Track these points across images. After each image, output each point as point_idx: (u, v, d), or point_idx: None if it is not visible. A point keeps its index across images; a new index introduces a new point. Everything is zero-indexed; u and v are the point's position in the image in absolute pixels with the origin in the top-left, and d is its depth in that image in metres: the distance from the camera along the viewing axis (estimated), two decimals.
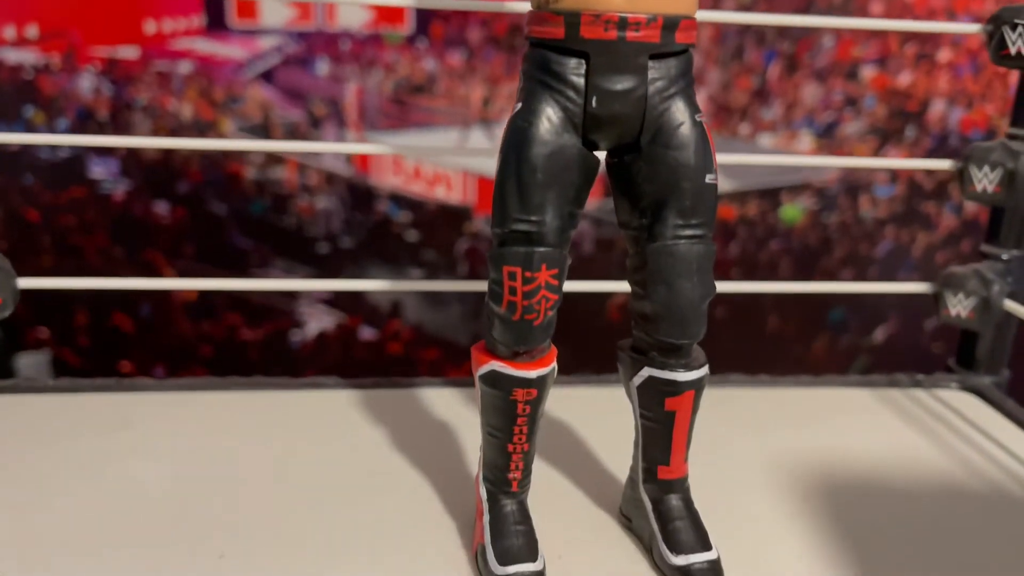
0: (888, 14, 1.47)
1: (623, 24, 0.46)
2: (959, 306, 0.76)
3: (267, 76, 1.62)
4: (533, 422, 0.53)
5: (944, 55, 1.49)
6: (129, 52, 1.59)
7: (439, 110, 1.63)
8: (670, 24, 0.47)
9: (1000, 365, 0.78)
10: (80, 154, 1.62)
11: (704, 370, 0.53)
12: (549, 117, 0.48)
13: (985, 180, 0.72)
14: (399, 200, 1.67)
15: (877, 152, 1.55)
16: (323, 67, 1.61)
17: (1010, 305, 0.73)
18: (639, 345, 0.53)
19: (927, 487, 0.64)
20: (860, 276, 1.62)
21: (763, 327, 1.65)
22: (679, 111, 0.48)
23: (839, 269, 1.61)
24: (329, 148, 0.76)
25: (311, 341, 1.73)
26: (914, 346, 1.63)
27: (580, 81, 0.47)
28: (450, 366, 1.71)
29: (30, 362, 1.63)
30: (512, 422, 0.52)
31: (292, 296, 1.71)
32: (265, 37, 1.60)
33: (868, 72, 1.52)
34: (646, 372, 0.53)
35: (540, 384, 0.52)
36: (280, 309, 1.72)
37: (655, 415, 0.53)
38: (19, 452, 0.66)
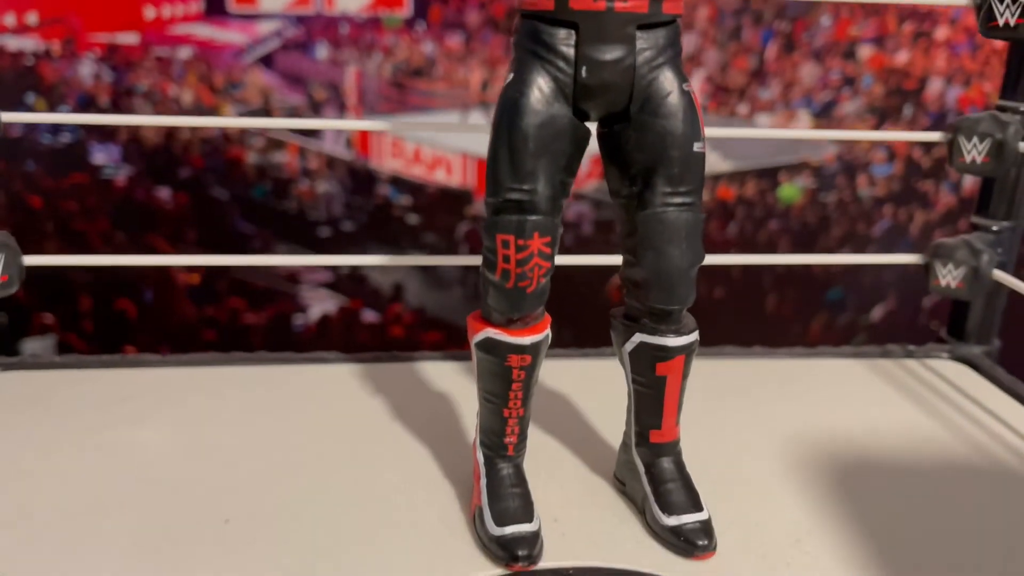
0: None
1: None
2: (948, 276, 0.77)
3: (267, 61, 1.62)
4: (528, 387, 0.54)
5: (941, 33, 1.50)
6: (129, 38, 1.59)
7: (438, 93, 1.64)
8: None
9: (990, 335, 0.79)
10: (82, 140, 1.63)
11: (694, 335, 0.54)
12: (540, 87, 0.49)
13: (974, 151, 0.73)
14: (399, 184, 1.68)
15: (875, 130, 1.56)
16: (322, 51, 1.61)
17: (999, 275, 0.74)
18: (631, 312, 0.55)
19: (918, 454, 0.65)
20: (858, 255, 1.62)
21: (761, 306, 1.66)
22: (667, 80, 0.49)
23: (837, 248, 1.62)
24: (334, 125, 0.77)
25: (314, 325, 1.74)
26: (912, 325, 1.64)
27: (570, 51, 0.48)
28: (452, 348, 1.72)
29: (36, 347, 1.65)
30: (507, 387, 0.53)
31: (294, 280, 1.72)
32: (264, 22, 1.61)
33: (865, 51, 1.52)
34: (637, 338, 0.54)
35: (534, 350, 0.53)
36: (283, 293, 1.73)
37: (647, 380, 0.55)
38: (24, 424, 0.67)
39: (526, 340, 0.52)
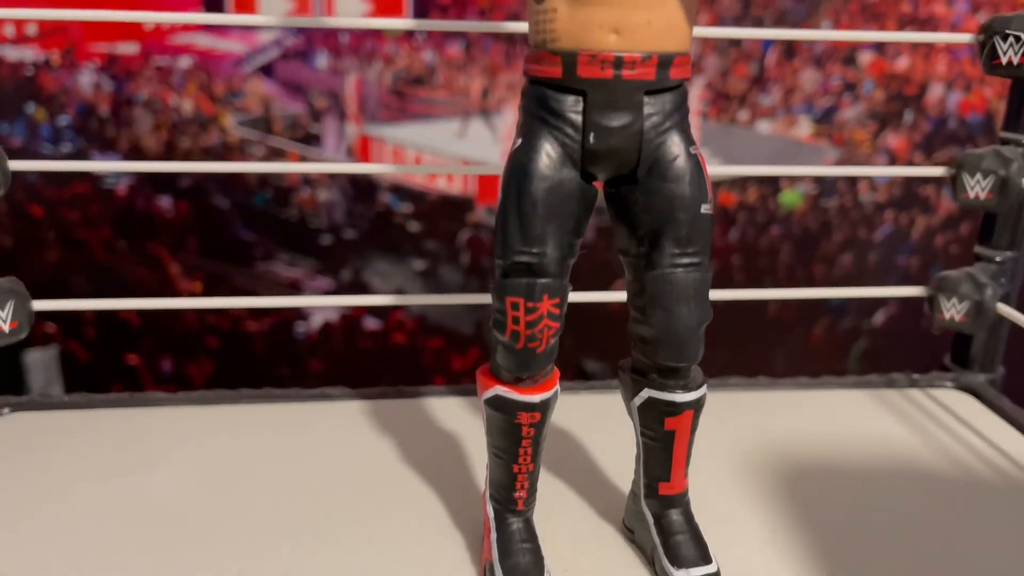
0: None
1: (618, 63, 0.47)
2: (952, 310, 0.77)
3: (267, 70, 1.62)
4: (537, 444, 0.54)
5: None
6: (129, 48, 1.59)
7: (439, 101, 1.64)
8: (664, 62, 0.48)
9: (995, 363, 0.80)
10: (82, 149, 1.63)
11: (703, 390, 0.55)
12: (548, 152, 0.49)
13: (978, 187, 0.73)
14: (400, 191, 1.68)
15: (876, 136, 1.56)
16: (322, 60, 1.61)
17: (1003, 309, 0.74)
18: (639, 366, 0.55)
19: (924, 489, 0.66)
20: (860, 260, 1.63)
21: (763, 311, 1.67)
22: (674, 144, 0.50)
23: (839, 253, 1.63)
24: (344, 169, 0.77)
25: (316, 332, 1.75)
26: (914, 329, 1.64)
27: (578, 118, 0.49)
28: (454, 355, 1.73)
29: (38, 358, 1.65)
30: (517, 444, 0.54)
31: (296, 288, 1.73)
32: (264, 31, 1.60)
33: (866, 57, 1.52)
34: (646, 393, 0.54)
35: (544, 408, 0.53)
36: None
37: (655, 434, 0.55)
38: (33, 468, 0.67)
39: (536, 398, 0.53)
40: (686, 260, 0.50)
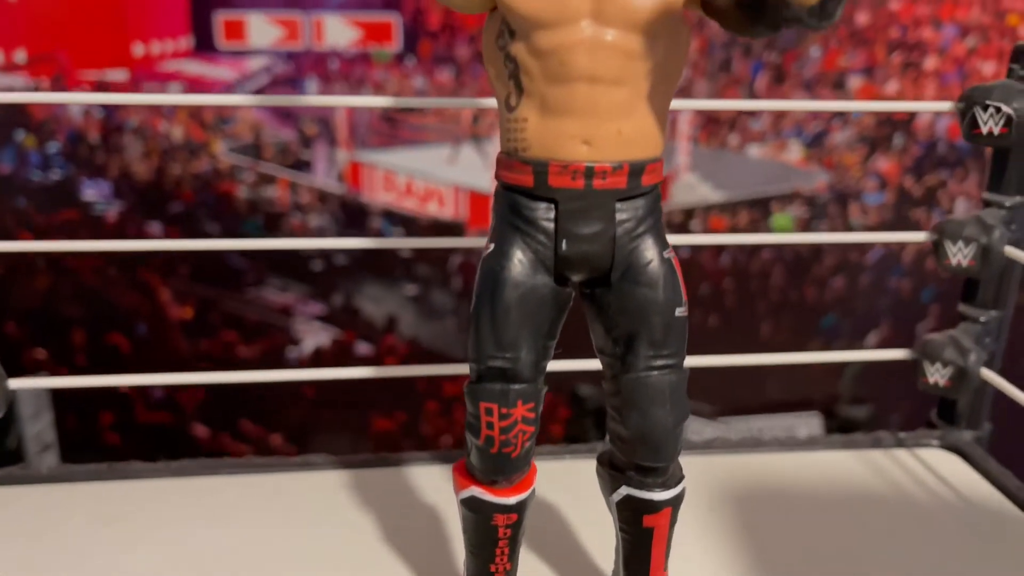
0: (874, 24, 1.48)
1: (590, 173, 0.47)
2: (937, 375, 0.77)
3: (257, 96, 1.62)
4: (514, 543, 0.54)
5: (930, 63, 1.49)
6: (118, 75, 1.59)
7: (429, 127, 1.64)
8: (636, 170, 0.47)
9: (981, 420, 0.79)
10: (72, 176, 1.62)
11: (681, 486, 0.54)
12: (520, 259, 0.49)
13: (959, 255, 0.73)
14: (392, 217, 1.68)
15: (866, 159, 1.56)
16: (312, 86, 1.61)
17: (987, 374, 0.74)
18: (616, 461, 0.54)
19: (910, 554, 0.65)
20: (851, 283, 1.63)
21: (756, 335, 1.67)
22: (648, 249, 0.49)
23: (830, 276, 1.62)
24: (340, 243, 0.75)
25: (307, 358, 1.74)
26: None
27: (550, 226, 0.48)
28: (446, 379, 1.73)
29: (28, 388, 1.64)
30: (494, 544, 0.53)
31: (287, 313, 1.72)
32: (254, 58, 1.60)
33: (855, 81, 1.52)
34: (624, 490, 0.54)
35: (520, 509, 0.53)
36: (276, 326, 1.73)
37: (634, 531, 0.54)
38: (11, 548, 0.66)
39: (511, 499, 0.52)
40: (661, 362, 0.50)
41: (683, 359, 0.51)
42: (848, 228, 1.59)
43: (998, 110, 0.68)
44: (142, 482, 0.73)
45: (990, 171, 0.73)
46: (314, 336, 1.74)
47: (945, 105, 0.72)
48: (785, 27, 0.43)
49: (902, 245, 1.59)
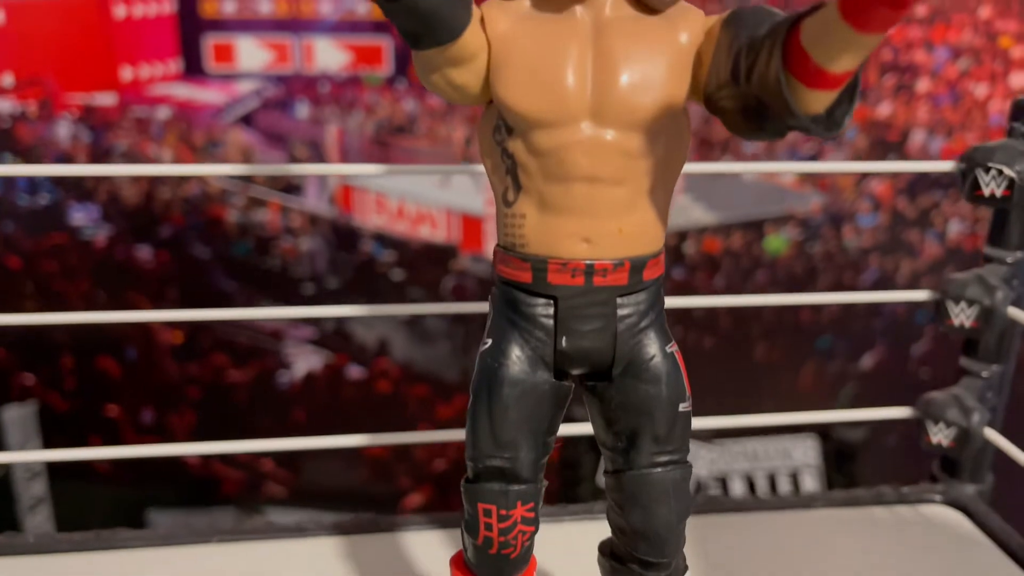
0: None
1: (590, 271, 0.45)
2: (940, 435, 0.76)
3: (247, 120, 1.61)
4: None
5: (923, 85, 1.49)
6: (106, 99, 1.58)
7: (421, 150, 1.63)
8: (638, 266, 0.46)
9: (983, 473, 0.78)
10: (60, 201, 1.61)
11: None
12: (519, 357, 0.47)
13: (962, 315, 0.72)
14: (383, 239, 1.67)
15: (859, 182, 1.55)
16: (303, 110, 1.60)
17: (990, 434, 0.73)
18: (618, 551, 0.53)
19: None
20: (846, 305, 1.62)
21: (751, 356, 1.66)
22: (650, 344, 0.47)
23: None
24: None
25: (299, 382, 1.73)
26: (901, 372, 1.64)
27: (549, 322, 0.46)
28: (439, 402, 1.71)
29: (15, 416, 1.62)
30: None
31: (278, 336, 1.71)
32: (243, 81, 1.59)
33: None
34: None
35: None
36: (267, 349, 1.72)
37: None
38: None
39: None
40: (665, 458, 0.48)
41: (687, 453, 0.50)
42: (842, 249, 1.59)
43: (1000, 172, 0.68)
44: (129, 553, 0.70)
45: (990, 226, 0.72)
46: (306, 359, 1.73)
47: (947, 165, 0.71)
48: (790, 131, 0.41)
49: (896, 266, 1.59)
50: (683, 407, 0.48)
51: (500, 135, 0.45)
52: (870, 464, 1.61)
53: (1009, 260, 0.71)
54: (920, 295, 0.75)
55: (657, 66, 0.43)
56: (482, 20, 0.44)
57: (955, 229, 1.55)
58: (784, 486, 1.62)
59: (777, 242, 1.59)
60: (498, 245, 0.48)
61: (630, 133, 0.44)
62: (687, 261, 1.57)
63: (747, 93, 0.39)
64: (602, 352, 0.47)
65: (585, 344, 0.47)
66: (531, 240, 0.45)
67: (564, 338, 0.47)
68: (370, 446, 0.90)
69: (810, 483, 1.61)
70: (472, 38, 0.43)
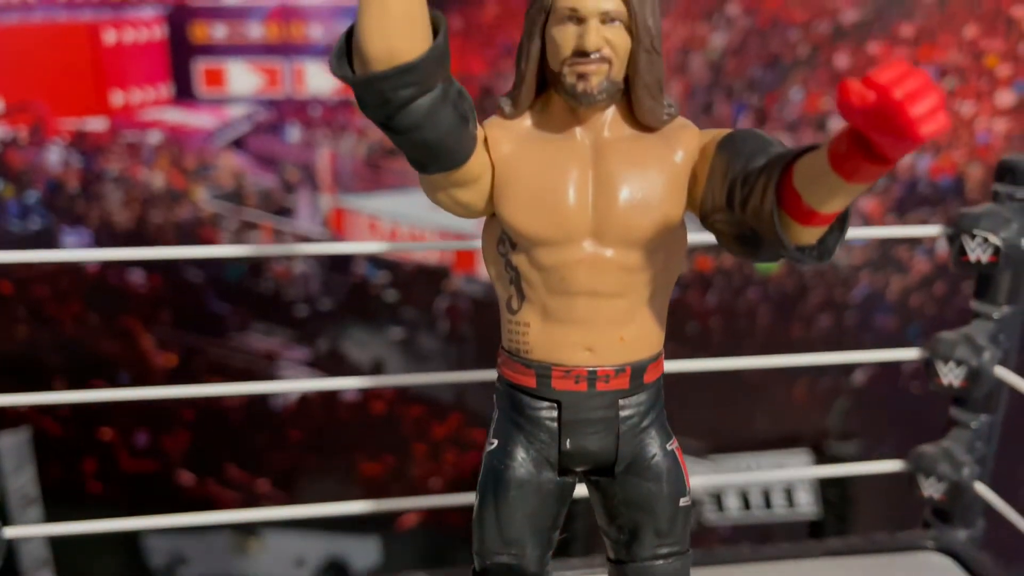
0: (853, 66, 1.49)
1: (593, 377, 0.47)
2: (932, 488, 0.77)
3: (238, 143, 1.61)
4: None
5: None
6: (97, 124, 1.58)
7: (414, 173, 1.63)
8: (638, 370, 0.48)
9: (975, 519, 0.79)
10: (51, 225, 1.61)
11: None
12: (524, 458, 0.49)
13: (951, 375, 0.73)
14: (376, 261, 1.67)
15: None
16: (294, 133, 1.60)
17: (980, 488, 0.74)
18: None
19: None
20: (837, 321, 1.64)
21: (742, 373, 1.67)
22: (652, 442, 0.49)
23: (816, 315, 1.63)
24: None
25: (293, 404, 1.73)
26: (892, 386, 1.65)
27: (553, 425, 0.48)
28: (434, 422, 1.72)
29: (9, 443, 1.62)
30: None
31: (272, 358, 1.71)
32: (234, 105, 1.59)
33: (837, 123, 1.53)
34: None
35: None
36: (261, 372, 1.72)
37: None
38: None
39: None
40: (666, 550, 0.50)
41: (687, 545, 0.51)
42: (833, 267, 1.60)
43: (985, 240, 0.69)
44: None
45: (977, 281, 0.73)
46: (300, 382, 1.73)
47: (933, 230, 0.72)
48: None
49: (886, 282, 1.60)
50: (683, 502, 0.50)
51: (504, 247, 0.47)
52: (863, 479, 1.62)
53: (995, 316, 0.73)
54: (911, 353, 0.76)
55: (654, 186, 0.45)
56: (485, 140, 0.45)
57: (944, 246, 1.56)
58: (778, 500, 1.63)
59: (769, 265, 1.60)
60: (502, 348, 0.49)
61: (630, 250, 0.46)
62: (680, 280, 1.58)
63: (742, 221, 0.41)
64: (605, 452, 0.49)
65: (589, 445, 0.48)
66: (535, 347, 0.47)
67: (568, 440, 0.48)
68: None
69: (804, 497, 1.62)
70: (477, 162, 0.44)
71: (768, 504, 1.64)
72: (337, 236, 1.66)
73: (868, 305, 1.62)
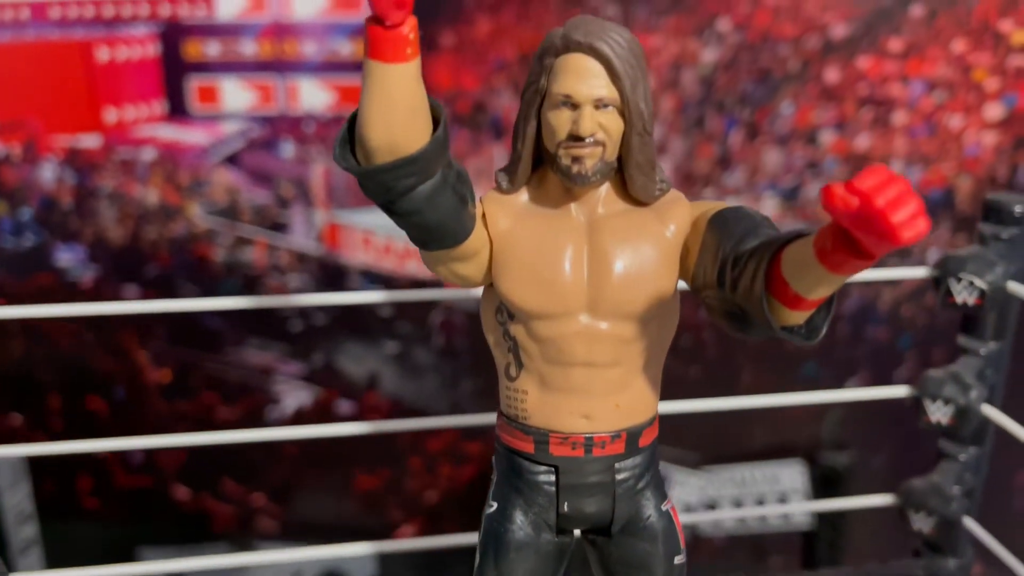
0: (843, 81, 1.50)
1: (589, 443, 0.48)
2: (921, 522, 0.78)
3: (232, 160, 1.62)
4: None
5: (899, 118, 1.52)
6: (91, 140, 1.58)
7: None
8: (634, 435, 0.49)
9: (964, 547, 0.80)
10: (45, 242, 1.61)
11: None
12: (523, 521, 0.50)
13: (939, 413, 0.75)
14: (370, 276, 1.68)
15: None
16: (288, 149, 1.61)
17: (969, 524, 0.75)
18: None
19: None
20: (830, 332, 1.64)
21: (737, 384, 1.68)
22: (647, 503, 0.51)
23: None
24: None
25: (289, 418, 1.73)
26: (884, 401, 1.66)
27: (551, 489, 0.50)
28: (429, 435, 1.72)
29: (5, 460, 1.62)
30: None
31: (267, 373, 1.71)
32: (228, 122, 1.60)
33: (827, 137, 1.54)
34: None
35: None
36: (256, 386, 1.72)
37: None
38: None
39: None
40: None
41: None
42: None
43: (971, 283, 0.70)
44: None
45: (963, 319, 0.74)
46: (295, 395, 1.74)
47: (920, 272, 0.74)
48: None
49: (876, 294, 1.61)
50: (678, 560, 0.51)
51: (502, 316, 0.48)
52: (855, 488, 1.63)
53: (982, 352, 0.74)
54: (899, 391, 0.77)
55: (647, 261, 0.46)
56: (483, 216, 0.46)
57: (934, 258, 1.58)
58: (773, 511, 1.64)
59: None
60: (500, 412, 0.50)
61: (624, 322, 0.47)
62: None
63: (732, 301, 0.42)
64: (602, 513, 0.50)
65: (586, 508, 0.50)
66: (533, 414, 0.48)
67: (566, 503, 0.49)
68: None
69: (798, 508, 1.63)
70: (475, 238, 0.46)
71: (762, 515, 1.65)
72: (331, 251, 1.66)
73: (860, 316, 1.64)
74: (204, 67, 1.57)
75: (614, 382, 0.48)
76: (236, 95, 1.58)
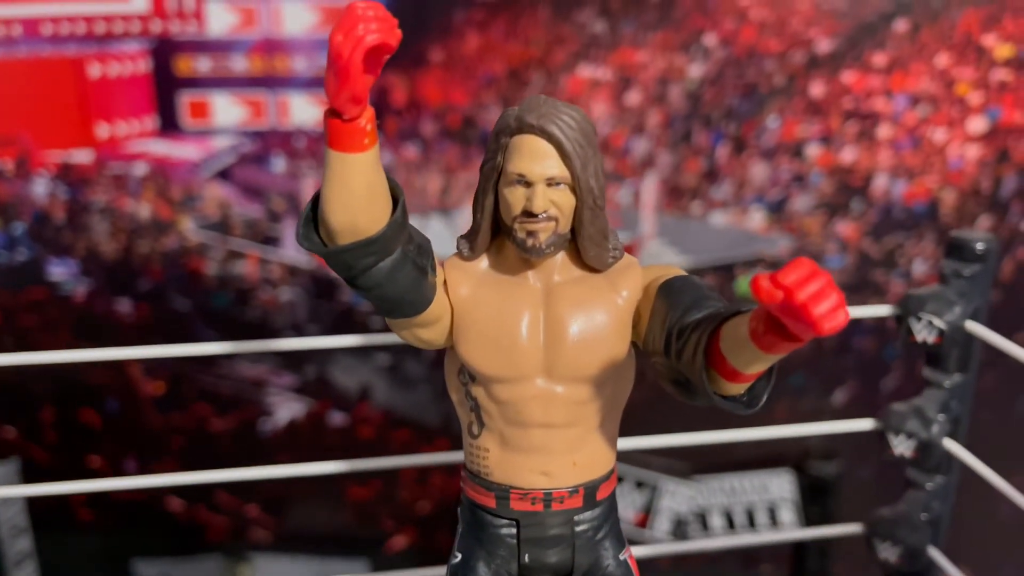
0: (828, 95, 1.52)
1: (548, 499, 0.51)
2: (887, 551, 0.80)
3: (224, 174, 1.63)
4: None
5: (884, 132, 1.54)
6: (83, 156, 1.59)
7: None
8: (591, 490, 0.52)
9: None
10: (38, 256, 1.62)
11: None
12: (485, 572, 0.54)
13: (903, 446, 0.76)
14: None
15: (826, 224, 1.60)
16: (279, 164, 1.62)
17: (934, 554, 0.77)
18: None
19: None
20: (816, 343, 1.66)
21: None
22: (606, 553, 0.54)
23: None
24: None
25: (282, 429, 1.75)
26: (872, 406, 1.68)
27: (513, 542, 0.52)
28: (422, 445, 1.74)
29: (1, 474, 1.63)
30: None
31: (259, 385, 1.73)
32: (219, 137, 1.61)
33: (813, 150, 1.56)
34: None
35: None
36: (249, 399, 1.74)
37: None
38: None
39: None
40: None
41: None
42: None
43: (930, 323, 0.72)
44: None
45: (927, 355, 0.76)
46: (288, 407, 1.75)
47: (884, 310, 0.75)
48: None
49: (863, 304, 1.63)
50: None
51: (464, 378, 0.50)
52: (844, 496, 1.64)
53: (947, 384, 0.75)
54: (865, 424, 0.78)
55: (600, 327, 0.49)
56: (445, 283, 0.49)
57: (919, 269, 1.59)
58: (762, 519, 1.66)
59: (747, 284, 1.62)
60: (464, 467, 0.53)
61: (579, 385, 0.49)
62: None
63: (677, 369, 0.45)
64: (562, 563, 0.53)
65: (546, 559, 0.52)
66: (494, 471, 0.50)
67: (527, 555, 0.52)
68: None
69: (787, 516, 1.65)
70: (437, 306, 0.48)
71: (752, 524, 1.67)
72: (323, 265, 1.67)
73: (846, 329, 1.65)
74: (195, 83, 1.58)
75: (571, 441, 0.50)
76: (227, 110, 1.59)
